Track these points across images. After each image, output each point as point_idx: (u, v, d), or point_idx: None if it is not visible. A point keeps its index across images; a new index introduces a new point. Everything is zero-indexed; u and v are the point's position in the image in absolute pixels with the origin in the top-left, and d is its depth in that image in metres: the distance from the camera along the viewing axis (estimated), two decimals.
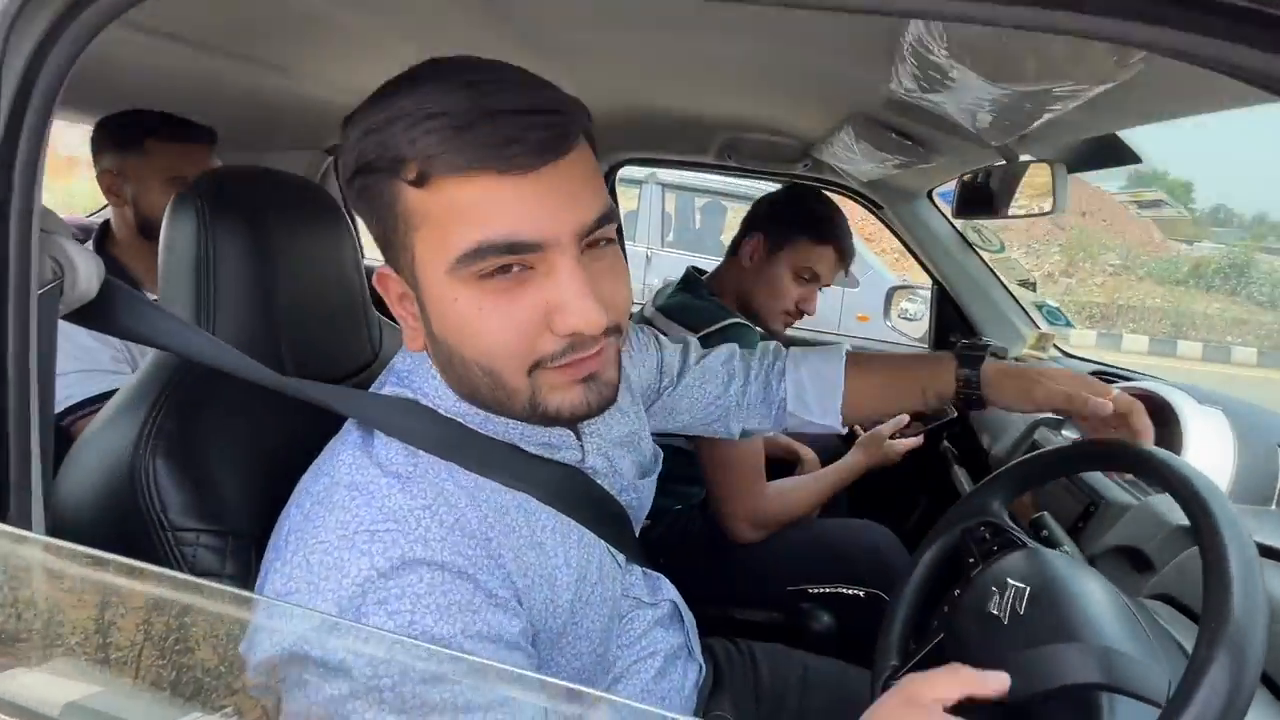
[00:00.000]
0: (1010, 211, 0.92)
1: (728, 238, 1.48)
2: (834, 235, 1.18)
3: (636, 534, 0.67)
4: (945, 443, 1.59)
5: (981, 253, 1.53)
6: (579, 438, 0.58)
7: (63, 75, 0.40)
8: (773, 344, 0.88)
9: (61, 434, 1.01)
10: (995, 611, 0.64)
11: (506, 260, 0.43)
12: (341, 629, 0.41)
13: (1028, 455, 0.73)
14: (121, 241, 1.15)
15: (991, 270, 1.55)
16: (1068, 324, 1.51)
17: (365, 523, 0.44)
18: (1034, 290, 1.56)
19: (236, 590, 0.25)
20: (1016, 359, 1.55)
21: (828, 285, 1.22)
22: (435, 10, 0.84)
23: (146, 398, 0.57)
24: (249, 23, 0.91)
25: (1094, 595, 0.64)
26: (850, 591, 1.11)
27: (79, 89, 0.41)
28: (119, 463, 0.54)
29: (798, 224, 1.16)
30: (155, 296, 0.64)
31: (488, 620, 0.44)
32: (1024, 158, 0.87)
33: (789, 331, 1.84)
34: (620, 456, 0.63)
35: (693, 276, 1.24)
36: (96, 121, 1.13)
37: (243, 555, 0.55)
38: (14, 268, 0.39)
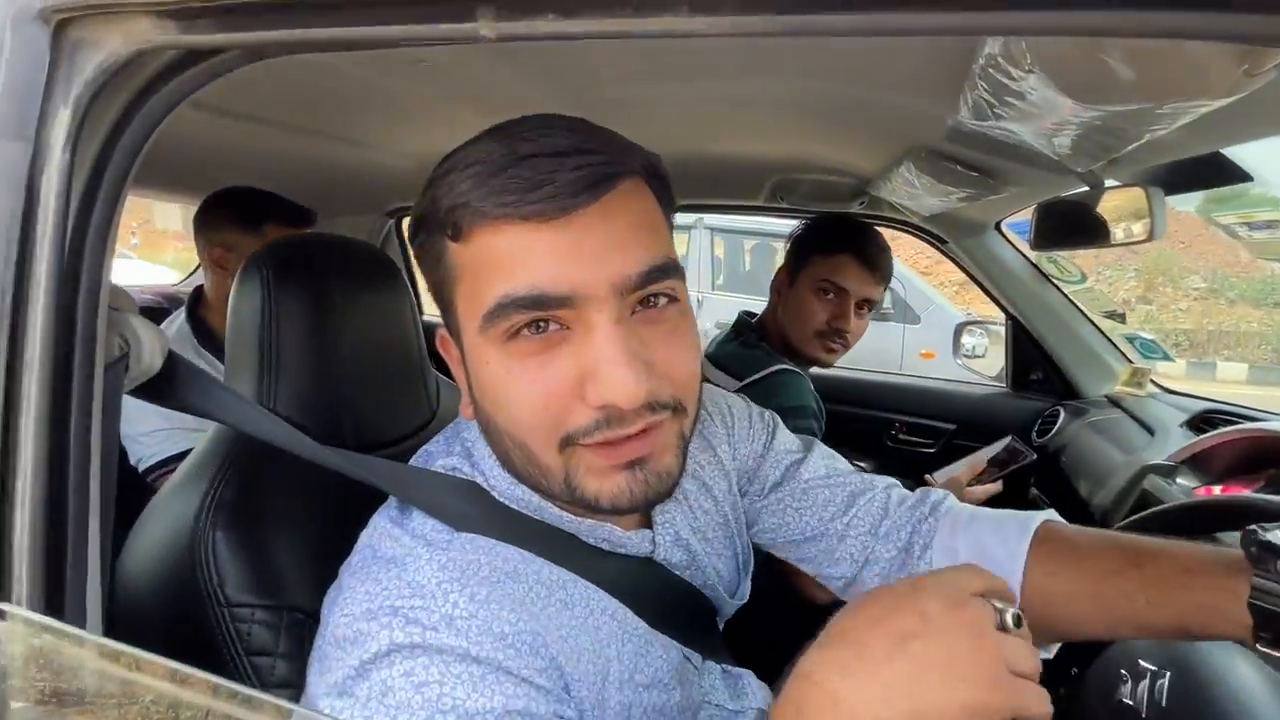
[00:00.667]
0: (1100, 241, 0.84)
1: None
2: (846, 243, 1.13)
3: (720, 629, 0.60)
4: (1034, 490, 1.46)
5: (1061, 285, 1.43)
6: (651, 526, 0.53)
7: (135, 156, 0.41)
8: (936, 493, 0.62)
9: (147, 489, 1.06)
10: (1129, 700, 0.55)
11: (532, 316, 0.38)
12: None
13: (1166, 507, 0.64)
14: (214, 306, 1.22)
15: (1073, 303, 1.44)
16: (1165, 357, 1.38)
17: (389, 599, 0.41)
18: (1123, 322, 1.44)
19: (279, 702, 0.22)
20: (1109, 397, 1.42)
21: (868, 302, 1.15)
22: (486, 72, 0.86)
23: (209, 469, 0.57)
24: (309, 99, 0.96)
25: (1247, 681, 0.54)
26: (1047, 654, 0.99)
27: (150, 167, 0.41)
28: (180, 533, 0.53)
29: (808, 242, 1.16)
30: None
31: (521, 703, 0.39)
32: (1110, 183, 0.80)
33: (849, 373, 1.78)
34: (705, 547, 0.57)
35: (744, 322, 1.22)
36: (213, 196, 1.22)
37: (296, 630, 0.53)
38: (81, 343, 0.39)
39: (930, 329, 3.43)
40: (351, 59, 0.78)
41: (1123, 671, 0.57)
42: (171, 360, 0.46)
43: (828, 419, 1.71)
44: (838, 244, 1.13)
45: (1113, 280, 9.70)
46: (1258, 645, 0.41)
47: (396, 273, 0.76)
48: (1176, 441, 1.03)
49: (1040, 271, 1.44)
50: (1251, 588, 0.40)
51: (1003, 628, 0.35)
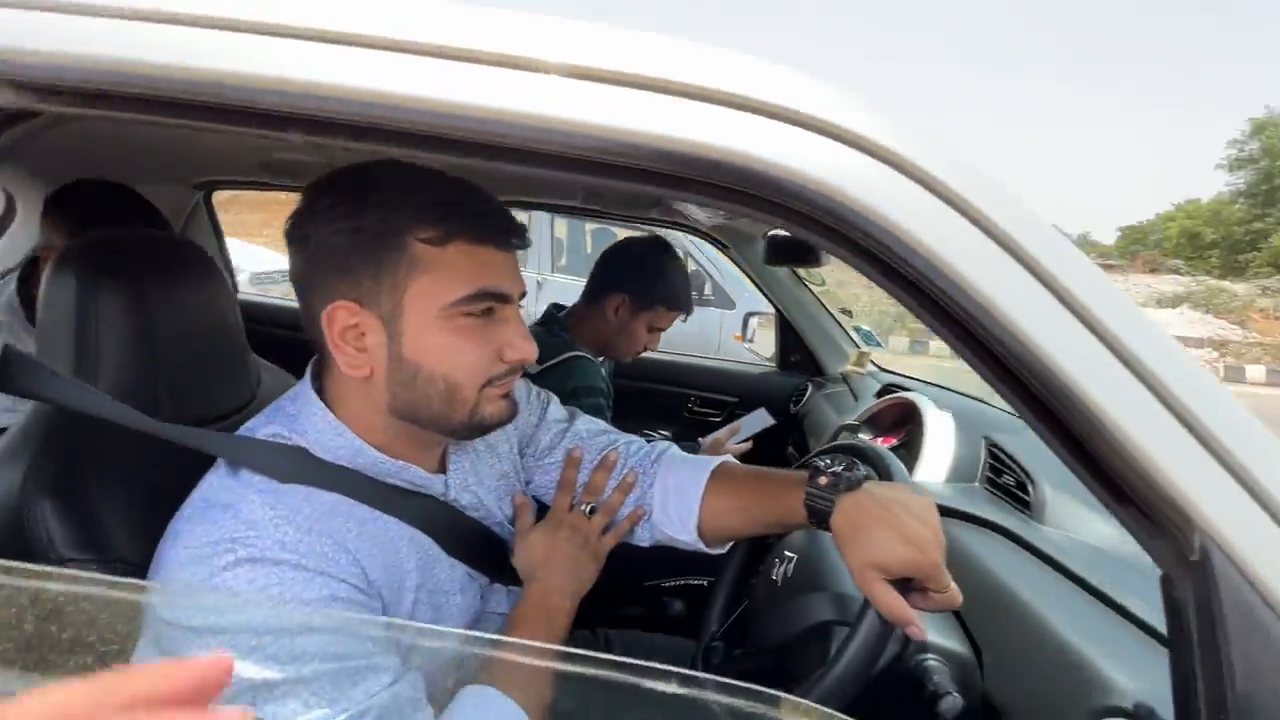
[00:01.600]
0: (811, 262, 1.15)
1: None
2: (686, 305, 1.40)
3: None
4: (790, 449, 1.85)
5: (810, 286, 1.81)
6: (445, 474, 0.71)
7: None
8: (661, 445, 0.86)
9: None
10: (774, 577, 0.84)
11: (488, 304, 0.60)
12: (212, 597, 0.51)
13: (814, 452, 0.94)
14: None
15: (819, 300, 1.83)
16: (878, 344, 1.82)
17: (229, 532, 0.53)
18: (851, 316, 1.86)
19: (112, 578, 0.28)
20: (843, 374, 1.84)
21: None
22: None
23: (32, 442, 0.64)
24: None
25: (836, 559, 0.85)
26: (697, 581, 1.30)
27: None
28: (7, 502, 0.60)
29: (661, 296, 1.35)
30: None
31: (344, 595, 0.56)
32: None
33: (655, 355, 2.07)
34: (488, 494, 0.76)
35: (552, 315, 1.40)
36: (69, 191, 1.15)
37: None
38: None
39: (743, 315, 3.91)
40: None
41: (776, 560, 0.86)
42: (7, 352, 0.54)
43: (637, 394, 1.98)
44: (683, 305, 1.39)
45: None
46: (815, 526, 0.69)
47: (211, 265, 0.83)
48: (866, 405, 1.41)
49: (796, 275, 1.80)
50: (805, 493, 0.68)
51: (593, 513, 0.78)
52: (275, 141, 0.43)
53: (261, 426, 0.64)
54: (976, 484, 1.02)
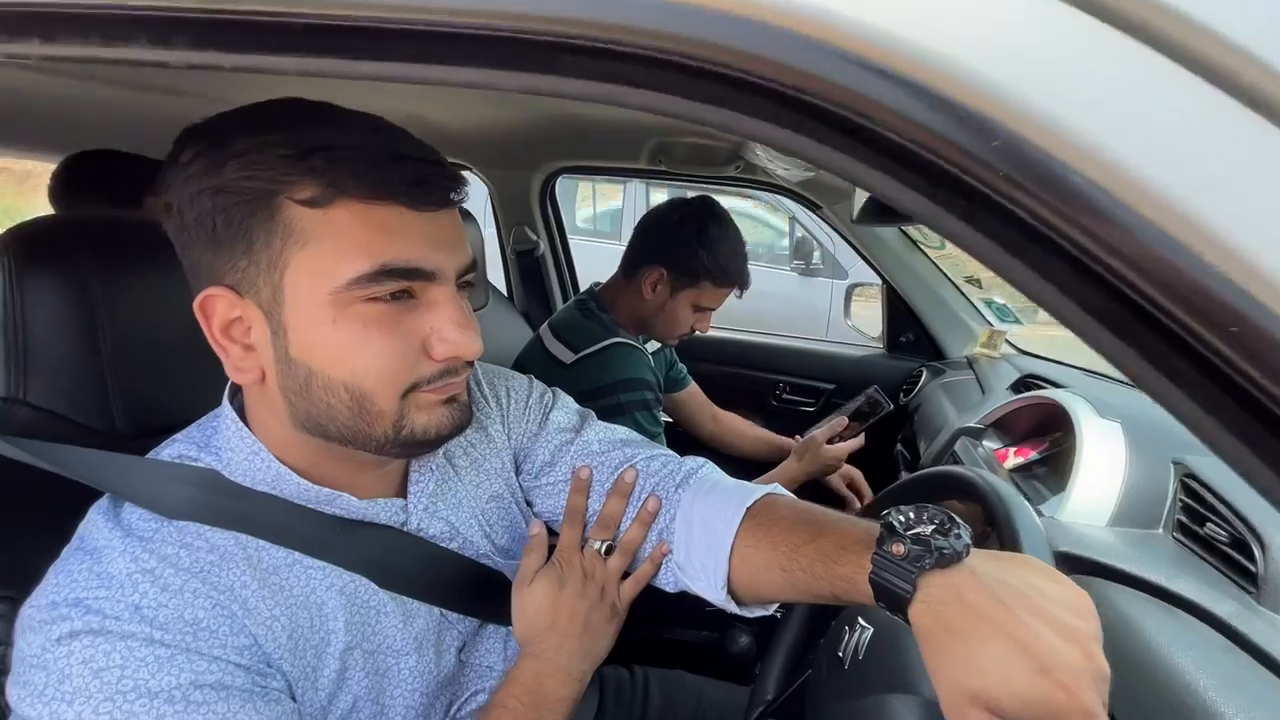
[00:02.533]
0: (900, 220, 0.87)
1: None
2: (739, 279, 1.15)
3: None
4: (899, 445, 1.55)
5: (926, 250, 1.48)
6: (405, 498, 0.56)
7: None
8: (690, 462, 0.66)
9: None
10: (841, 653, 0.61)
11: (403, 285, 0.45)
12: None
13: (892, 486, 0.69)
14: None
15: (938, 267, 1.49)
16: (1016, 320, 1.45)
17: (75, 591, 0.42)
18: (980, 286, 1.50)
19: None
20: (968, 358, 1.50)
21: None
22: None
23: None
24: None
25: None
26: (775, 613, 1.07)
27: None
28: None
29: (705, 269, 1.11)
30: None
31: (214, 678, 0.43)
32: None
33: (739, 336, 1.82)
34: (468, 520, 0.60)
35: (589, 293, 1.21)
36: (74, 163, 1.10)
37: None
38: None
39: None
40: None
41: (846, 627, 0.63)
42: None
43: (719, 379, 1.76)
44: (733, 279, 1.14)
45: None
46: (885, 610, 0.46)
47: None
48: (997, 403, 1.10)
49: (908, 237, 1.48)
50: (871, 563, 0.45)
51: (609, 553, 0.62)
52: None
53: (168, 446, 0.53)
54: (1160, 531, 0.70)
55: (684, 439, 1.43)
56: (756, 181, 1.52)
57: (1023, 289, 0.19)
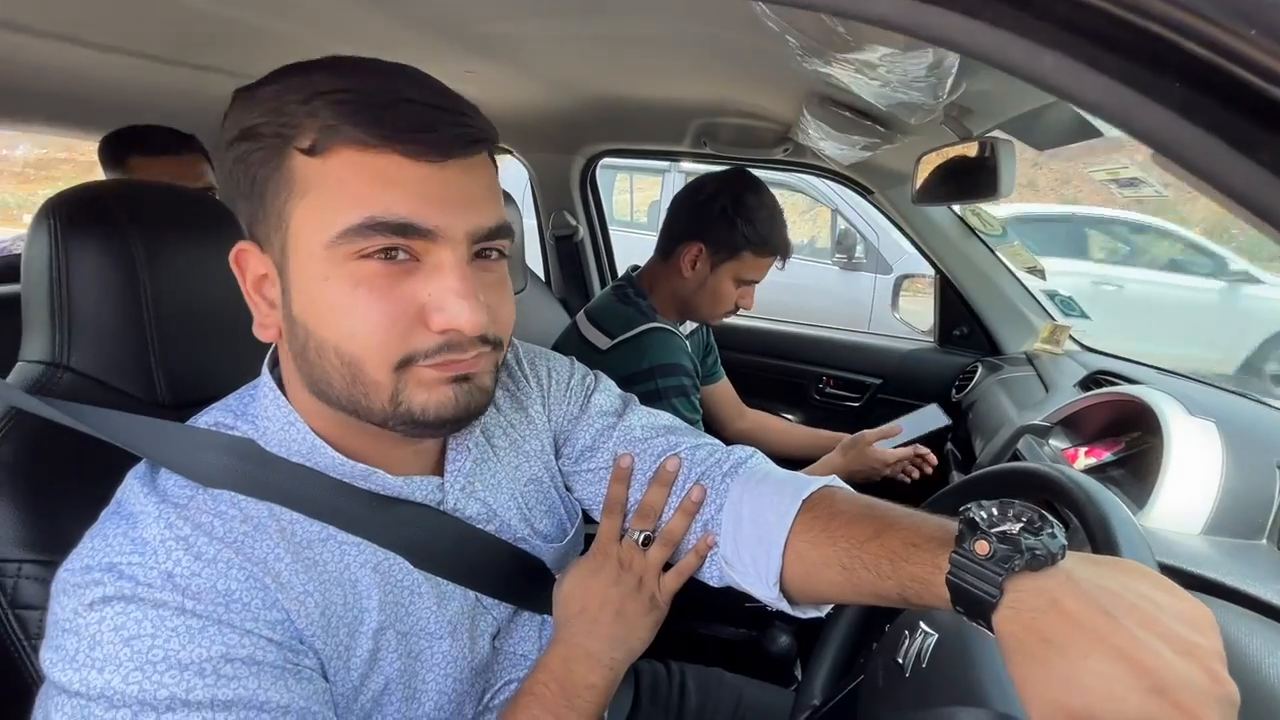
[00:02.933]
0: (968, 196, 0.81)
1: None
2: (779, 247, 1.11)
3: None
4: (949, 445, 1.47)
5: (985, 237, 1.40)
6: (442, 474, 0.54)
7: None
8: (739, 451, 0.62)
9: None
10: (900, 660, 0.56)
11: (394, 242, 0.41)
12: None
13: (954, 484, 0.64)
14: None
15: (997, 257, 1.41)
16: (1083, 315, 1.35)
17: (109, 555, 0.41)
18: (1043, 278, 1.41)
19: None
20: (1027, 354, 1.41)
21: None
22: (368, 16, 0.81)
23: None
24: (184, 34, 0.91)
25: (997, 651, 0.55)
26: (817, 613, 1.02)
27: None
28: None
29: (743, 239, 1.07)
30: None
31: (245, 652, 0.41)
32: (981, 134, 0.76)
33: (780, 326, 1.76)
34: (506, 503, 0.57)
35: (627, 277, 1.18)
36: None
37: None
38: None
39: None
40: None
41: (906, 631, 0.58)
42: None
43: (758, 371, 1.71)
44: (773, 248, 1.10)
45: None
46: (964, 617, 0.41)
47: (227, 219, 0.73)
48: (1063, 400, 1.02)
49: (965, 225, 1.40)
50: (950, 563, 0.40)
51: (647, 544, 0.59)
52: None
53: (206, 414, 0.51)
54: (1264, 541, 0.63)
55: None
56: (805, 165, 1.46)
57: (1243, 200, 0.15)
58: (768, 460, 0.62)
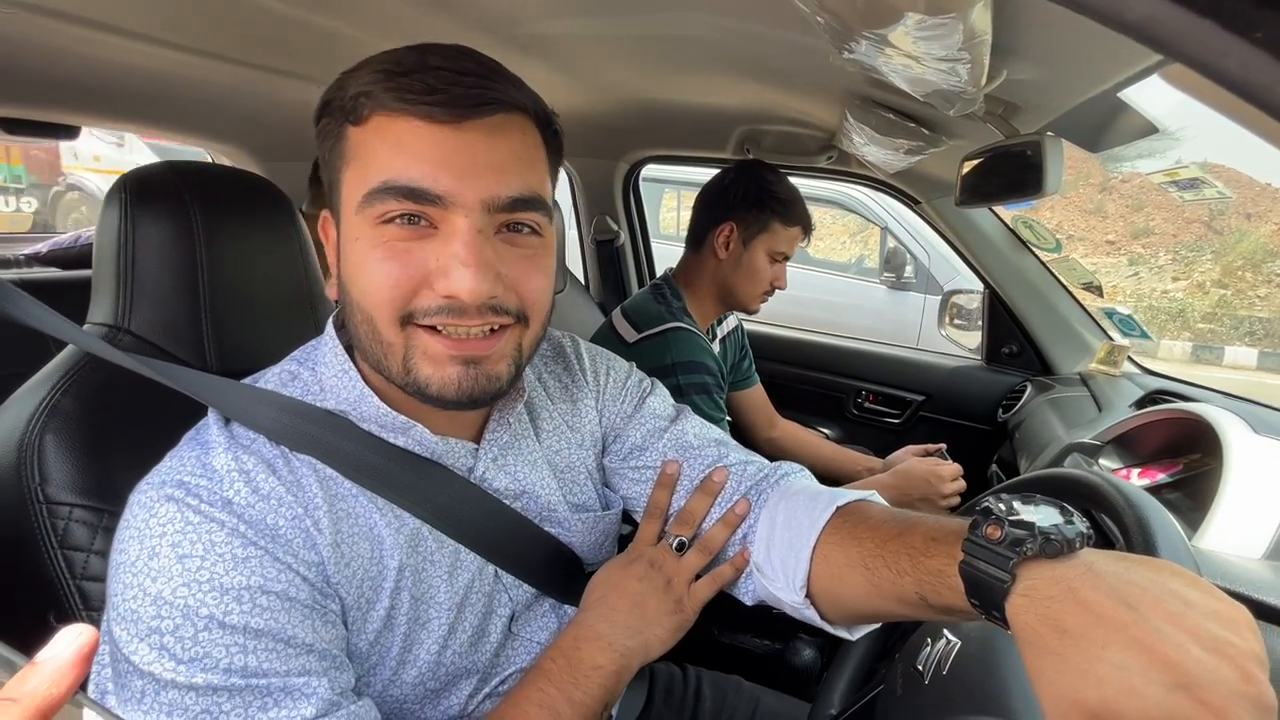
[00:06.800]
0: (1012, 195, 0.78)
1: None
2: (803, 216, 1.17)
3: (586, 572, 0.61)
4: (994, 467, 1.41)
5: (1038, 253, 1.34)
6: (477, 443, 0.55)
7: None
8: (786, 466, 0.62)
9: None
10: (920, 667, 0.54)
11: (405, 207, 0.43)
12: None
13: (985, 493, 0.61)
14: None
15: (1051, 273, 1.35)
16: (1144, 335, 1.28)
17: (183, 474, 0.44)
18: (1100, 295, 1.34)
19: None
20: (1081, 374, 1.34)
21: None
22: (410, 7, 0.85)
23: (51, 379, 0.61)
24: (242, 33, 0.97)
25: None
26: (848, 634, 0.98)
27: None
28: (9, 437, 0.57)
29: (769, 210, 1.13)
30: None
31: (281, 586, 0.43)
32: (1028, 132, 0.73)
33: (821, 338, 1.72)
34: (539, 482, 0.58)
35: (664, 279, 1.21)
36: None
37: None
38: None
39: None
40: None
41: (928, 638, 0.56)
42: None
43: (794, 381, 1.68)
44: (798, 216, 1.16)
45: (1189, 260, 8.98)
46: (977, 611, 0.39)
47: (282, 204, 0.77)
48: (1117, 419, 0.96)
49: (1017, 237, 1.35)
50: (963, 549, 0.38)
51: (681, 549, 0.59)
52: None
53: (276, 366, 0.55)
54: None
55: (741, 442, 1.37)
56: (851, 174, 1.44)
57: (1241, 88, 0.14)
58: (812, 477, 0.62)
